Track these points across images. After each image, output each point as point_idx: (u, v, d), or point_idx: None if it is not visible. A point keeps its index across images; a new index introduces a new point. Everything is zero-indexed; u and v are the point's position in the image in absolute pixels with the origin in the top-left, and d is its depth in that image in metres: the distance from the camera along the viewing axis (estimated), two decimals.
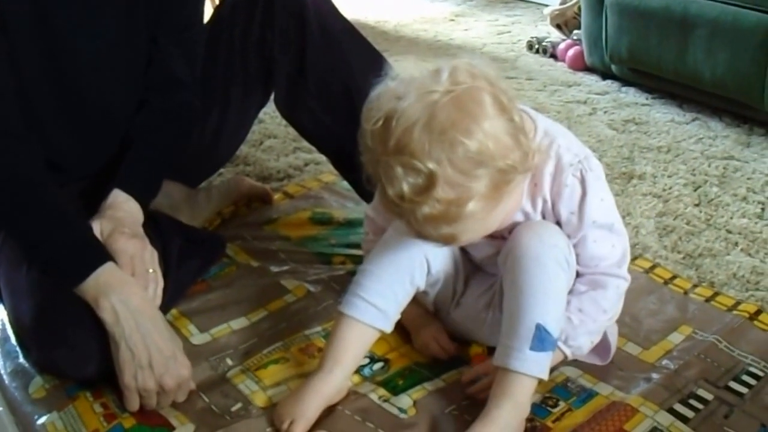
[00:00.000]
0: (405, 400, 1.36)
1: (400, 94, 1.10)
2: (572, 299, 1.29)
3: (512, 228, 1.29)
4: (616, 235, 1.31)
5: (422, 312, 1.48)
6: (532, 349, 1.20)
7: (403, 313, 1.37)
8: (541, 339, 1.21)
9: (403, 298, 1.36)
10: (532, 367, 1.20)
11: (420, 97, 1.09)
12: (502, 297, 1.31)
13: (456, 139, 1.06)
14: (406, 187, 1.07)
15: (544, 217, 1.29)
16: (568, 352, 1.32)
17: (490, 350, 1.37)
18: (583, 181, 1.25)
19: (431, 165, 1.06)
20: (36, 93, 1.45)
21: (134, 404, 1.33)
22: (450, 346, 1.47)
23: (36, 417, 1.35)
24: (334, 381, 1.31)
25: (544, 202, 1.28)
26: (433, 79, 1.11)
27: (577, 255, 1.29)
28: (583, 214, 1.26)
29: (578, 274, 1.31)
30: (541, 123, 1.27)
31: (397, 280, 1.34)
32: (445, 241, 1.16)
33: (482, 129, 1.08)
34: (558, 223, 1.29)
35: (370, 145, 1.13)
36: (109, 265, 1.34)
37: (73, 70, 1.47)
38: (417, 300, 1.42)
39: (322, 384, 1.30)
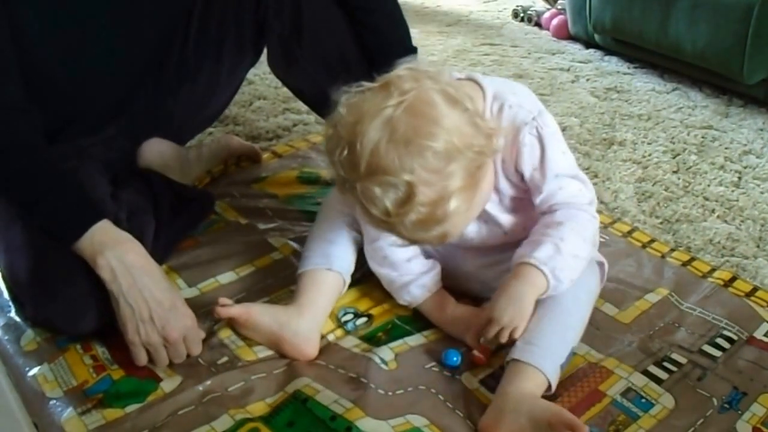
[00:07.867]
0: (387, 353, 1.38)
1: (355, 119, 1.11)
2: (551, 231, 1.28)
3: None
4: (581, 182, 1.33)
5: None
6: (561, 366, 1.28)
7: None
8: (568, 360, 1.31)
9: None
10: (555, 378, 1.27)
11: (375, 115, 1.09)
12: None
13: (422, 144, 1.08)
14: (388, 204, 1.09)
15: (505, 177, 1.31)
16: (552, 282, 1.26)
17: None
18: (540, 138, 1.27)
19: (406, 176, 1.07)
20: (42, 58, 1.45)
21: (142, 359, 1.33)
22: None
23: (27, 369, 1.35)
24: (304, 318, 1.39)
25: (503, 162, 1.29)
26: (381, 95, 1.11)
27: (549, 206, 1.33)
28: (546, 169, 1.28)
29: (552, 210, 1.31)
30: (490, 87, 1.28)
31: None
32: (440, 240, 1.17)
33: (443, 128, 1.09)
34: (521, 181, 1.31)
35: (342, 174, 1.13)
36: (102, 223, 1.34)
37: (80, 34, 1.48)
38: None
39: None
